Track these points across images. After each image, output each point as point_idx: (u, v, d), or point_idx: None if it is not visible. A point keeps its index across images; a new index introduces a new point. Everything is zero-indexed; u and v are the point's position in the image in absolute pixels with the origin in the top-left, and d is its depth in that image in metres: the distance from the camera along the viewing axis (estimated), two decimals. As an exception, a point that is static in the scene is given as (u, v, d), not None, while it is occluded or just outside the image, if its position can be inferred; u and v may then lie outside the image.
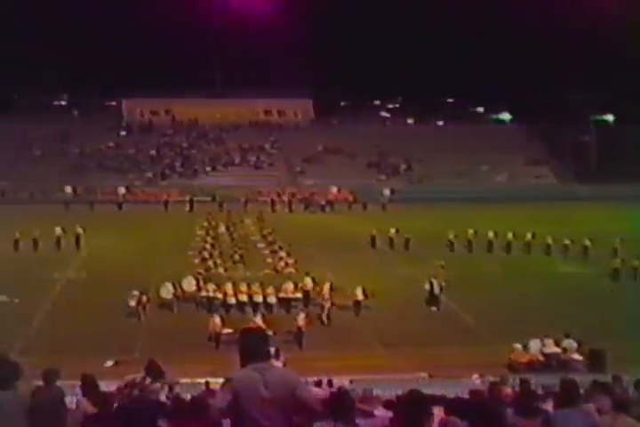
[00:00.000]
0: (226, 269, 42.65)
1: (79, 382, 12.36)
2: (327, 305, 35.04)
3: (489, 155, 79.01)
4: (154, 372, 12.05)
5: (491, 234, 49.93)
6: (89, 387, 11.99)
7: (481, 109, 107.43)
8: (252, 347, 7.06)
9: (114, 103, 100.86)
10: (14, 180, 75.14)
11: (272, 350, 28.28)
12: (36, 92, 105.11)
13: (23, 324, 33.72)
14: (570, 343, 29.09)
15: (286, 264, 43.45)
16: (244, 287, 36.07)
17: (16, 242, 48.47)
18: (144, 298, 34.92)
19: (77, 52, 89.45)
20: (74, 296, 38.51)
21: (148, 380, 11.82)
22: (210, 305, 35.69)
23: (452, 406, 13.10)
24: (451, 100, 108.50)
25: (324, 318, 34.61)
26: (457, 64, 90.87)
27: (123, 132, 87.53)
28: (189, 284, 37.14)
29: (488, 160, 79.15)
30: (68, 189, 72.05)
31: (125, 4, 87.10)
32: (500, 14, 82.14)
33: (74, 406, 14.03)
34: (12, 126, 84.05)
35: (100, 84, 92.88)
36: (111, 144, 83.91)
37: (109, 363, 28.12)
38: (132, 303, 34.70)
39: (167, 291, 36.14)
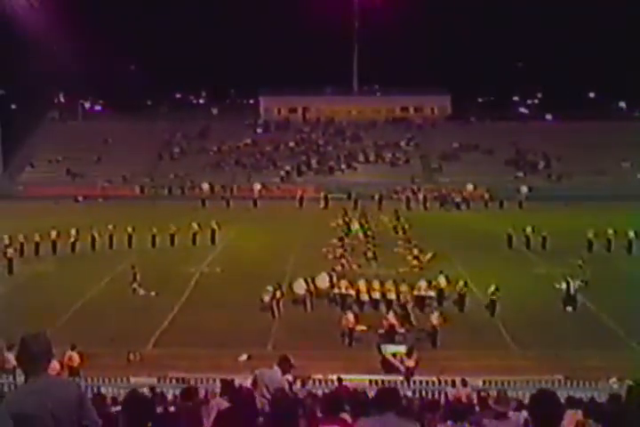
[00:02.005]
0: (359, 266, 42.56)
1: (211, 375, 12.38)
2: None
3: (631, 152, 76.30)
4: (285, 367, 11.90)
5: (631, 233, 47.98)
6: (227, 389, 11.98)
7: (623, 105, 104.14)
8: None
9: (251, 101, 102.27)
10: (155, 176, 77.21)
11: (404, 348, 28.06)
12: (176, 91, 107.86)
13: (160, 317, 34.43)
14: None
15: (420, 262, 42.95)
16: (377, 285, 35.80)
17: (153, 237, 49.66)
18: (278, 293, 35.07)
19: (217, 50, 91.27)
20: (208, 290, 39.11)
21: (279, 374, 11.66)
22: (343, 302, 35.56)
23: (590, 409, 12.56)
24: (592, 96, 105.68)
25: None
26: (599, 59, 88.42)
27: (259, 130, 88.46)
28: (323, 280, 37.06)
29: (630, 157, 76.51)
30: (205, 186, 73.31)
31: (265, 3, 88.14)
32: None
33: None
34: (154, 125, 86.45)
35: (238, 81, 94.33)
36: (248, 141, 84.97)
37: (243, 357, 28.32)
38: (267, 299, 34.89)
39: (300, 287, 36.18)
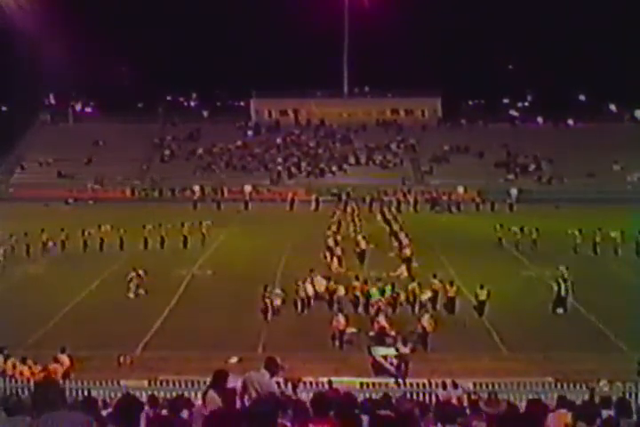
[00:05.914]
0: (350, 269, 42.42)
1: (202, 378, 12.33)
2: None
3: (621, 154, 76.48)
4: (272, 369, 11.86)
5: (620, 235, 48.02)
6: (220, 383, 11.90)
7: (613, 108, 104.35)
8: None
9: (242, 103, 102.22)
10: (146, 179, 77.17)
11: (394, 351, 27.99)
12: (167, 93, 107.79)
13: (150, 319, 34.34)
14: None
15: (411, 264, 42.82)
16: (368, 287, 35.76)
17: (145, 239, 49.63)
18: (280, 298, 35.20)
19: (208, 52, 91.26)
20: (199, 293, 39.04)
21: (267, 376, 11.63)
22: (334, 304, 35.51)
23: (580, 411, 12.57)
24: (582, 99, 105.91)
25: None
26: (589, 61, 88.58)
27: (250, 132, 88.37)
28: (315, 282, 37.02)
29: (620, 160, 76.70)
30: (196, 188, 73.19)
31: (254, 5, 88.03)
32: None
33: (199, 401, 14.05)
34: (145, 127, 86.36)
35: (229, 84, 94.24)
36: (239, 143, 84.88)
37: (234, 359, 28.24)
38: (278, 302, 34.93)
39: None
